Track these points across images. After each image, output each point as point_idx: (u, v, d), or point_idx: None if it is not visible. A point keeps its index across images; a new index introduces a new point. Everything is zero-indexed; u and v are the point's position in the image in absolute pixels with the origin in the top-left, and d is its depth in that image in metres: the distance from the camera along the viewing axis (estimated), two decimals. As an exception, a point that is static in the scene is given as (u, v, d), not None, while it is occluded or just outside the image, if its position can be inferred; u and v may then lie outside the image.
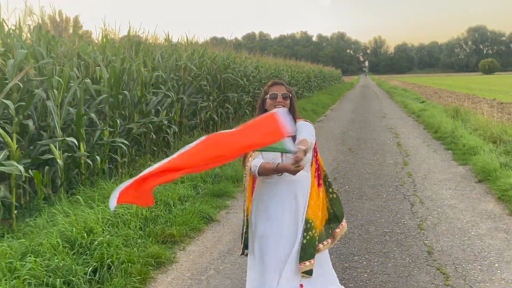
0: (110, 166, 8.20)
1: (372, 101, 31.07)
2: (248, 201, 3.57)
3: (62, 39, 9.19)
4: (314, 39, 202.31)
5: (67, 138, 6.71)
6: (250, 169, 3.34)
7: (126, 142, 7.88)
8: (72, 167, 7.43)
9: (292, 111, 3.45)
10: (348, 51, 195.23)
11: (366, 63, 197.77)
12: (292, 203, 3.36)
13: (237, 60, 16.55)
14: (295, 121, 3.42)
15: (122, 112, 8.97)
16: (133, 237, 5.35)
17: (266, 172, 3.27)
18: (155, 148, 9.65)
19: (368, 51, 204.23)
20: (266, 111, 3.37)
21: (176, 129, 10.78)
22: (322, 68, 50.28)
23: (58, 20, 12.52)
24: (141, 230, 5.64)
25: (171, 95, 9.81)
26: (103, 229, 5.25)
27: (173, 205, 6.40)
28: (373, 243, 5.37)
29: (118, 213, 5.64)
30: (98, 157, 7.25)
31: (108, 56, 9.31)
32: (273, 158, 3.31)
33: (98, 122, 8.05)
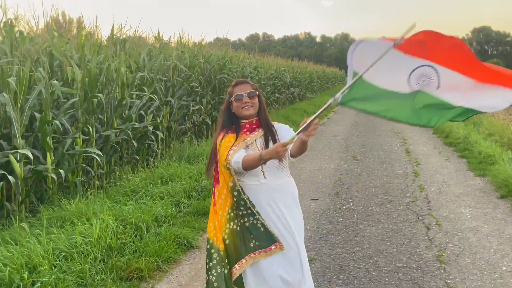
0: (84, 178, 7.24)
1: (376, 103, 30.02)
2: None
3: (32, 37, 8.24)
4: (317, 39, 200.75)
5: (20, 151, 5.73)
6: (229, 166, 3.06)
7: (99, 152, 6.90)
8: (35, 182, 6.49)
9: (262, 112, 3.23)
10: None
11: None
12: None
13: (234, 60, 15.56)
14: (267, 124, 3.21)
15: (101, 117, 8.02)
16: (90, 274, 4.38)
17: (250, 163, 2.98)
18: (137, 157, 8.67)
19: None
20: (233, 115, 3.20)
21: (162, 135, 9.82)
22: (326, 68, 49.22)
23: (62, 21, 11.76)
24: (103, 262, 4.67)
25: (155, 98, 8.82)
26: (53, 265, 4.29)
27: (146, 229, 5.42)
28: (384, 284, 4.37)
29: (75, 243, 4.67)
30: (61, 171, 6.27)
31: (86, 55, 8.36)
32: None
33: (70, 129, 7.13)
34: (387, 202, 6.93)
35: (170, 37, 13.13)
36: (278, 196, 3.14)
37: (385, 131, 15.13)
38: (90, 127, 7.43)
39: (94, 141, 7.61)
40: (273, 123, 3.29)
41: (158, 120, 9.91)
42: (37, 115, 6.50)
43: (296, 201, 3.28)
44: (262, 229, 3.12)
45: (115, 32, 10.18)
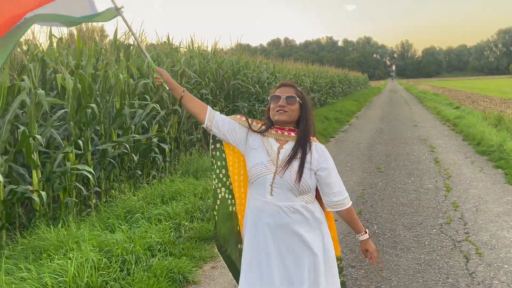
0: (77, 199, 6.52)
1: (401, 107, 28.94)
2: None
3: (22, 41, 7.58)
4: (339, 44, 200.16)
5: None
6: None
7: (89, 169, 6.17)
8: (16, 204, 5.79)
9: (304, 123, 2.69)
10: (374, 55, 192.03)
11: (393, 67, 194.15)
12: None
13: (250, 65, 14.79)
14: (307, 138, 2.66)
15: (98, 129, 7.32)
16: (59, 324, 3.62)
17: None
18: (140, 172, 7.92)
19: (395, 55, 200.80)
20: (270, 120, 2.74)
21: (170, 147, 9.09)
22: (348, 72, 48.21)
23: (84, 29, 11.43)
24: (79, 306, 3.91)
25: (157, 107, 8.05)
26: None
27: (136, 262, 4.64)
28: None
29: (46, 284, 3.92)
30: (43, 193, 5.54)
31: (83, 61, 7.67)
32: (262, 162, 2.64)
33: (62, 143, 6.43)
34: (417, 224, 6.04)
35: (180, 42, 12.33)
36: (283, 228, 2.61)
37: (411, 138, 14.17)
38: (84, 141, 6.74)
39: (90, 156, 6.92)
40: (314, 140, 2.74)
41: (166, 131, 9.21)
42: (22, 128, 5.80)
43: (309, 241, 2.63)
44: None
45: (119, 37, 9.49)
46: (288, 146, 2.65)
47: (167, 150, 9.05)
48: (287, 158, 2.59)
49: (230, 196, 2.85)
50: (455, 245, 5.29)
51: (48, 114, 6.61)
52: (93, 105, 6.62)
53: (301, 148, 2.63)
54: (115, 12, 2.75)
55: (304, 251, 2.60)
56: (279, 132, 2.70)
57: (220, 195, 2.86)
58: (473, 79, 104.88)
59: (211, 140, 2.87)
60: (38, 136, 5.57)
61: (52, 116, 6.53)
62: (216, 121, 2.73)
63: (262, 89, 14.71)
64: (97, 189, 6.95)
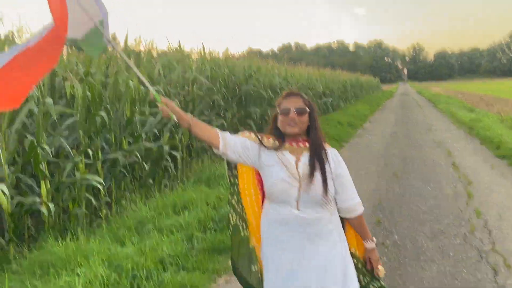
0: (87, 210, 6.35)
1: (414, 111, 28.61)
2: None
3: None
4: (350, 48, 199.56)
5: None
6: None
7: (99, 179, 6.00)
8: (25, 216, 5.64)
9: (314, 132, 2.63)
10: (386, 59, 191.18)
11: (405, 71, 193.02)
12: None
13: (262, 70, 14.59)
14: (317, 148, 2.61)
15: (108, 137, 7.17)
16: None
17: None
18: (152, 181, 7.75)
19: (407, 58, 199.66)
20: (278, 130, 2.65)
21: (182, 155, 8.92)
22: (359, 76, 47.88)
23: None
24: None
25: (172, 117, 7.89)
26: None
27: (147, 277, 4.46)
28: None
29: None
30: (51, 205, 5.38)
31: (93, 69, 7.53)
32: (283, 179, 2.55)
33: (71, 153, 6.27)
34: (440, 233, 5.80)
35: (191, 49, 12.18)
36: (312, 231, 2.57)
37: (426, 141, 13.90)
38: (94, 150, 6.60)
39: (100, 165, 6.76)
40: (327, 146, 2.69)
41: (177, 138, 9.04)
42: (30, 138, 5.65)
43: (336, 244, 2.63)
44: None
45: (129, 43, 9.35)
46: (305, 158, 2.58)
47: (178, 158, 8.89)
48: (309, 172, 2.53)
49: (241, 222, 2.79)
50: (481, 256, 5.04)
51: (57, 123, 6.46)
52: (103, 113, 6.47)
53: (318, 158, 2.57)
54: (107, 44, 2.64)
55: (328, 262, 2.56)
56: (293, 144, 2.62)
57: (232, 221, 2.80)
58: (486, 82, 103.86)
59: (226, 166, 2.79)
60: (46, 147, 5.41)
61: (61, 125, 6.40)
62: (230, 144, 2.61)
63: (275, 94, 14.50)
64: (108, 199, 6.78)
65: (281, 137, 2.64)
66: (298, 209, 2.52)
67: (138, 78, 2.55)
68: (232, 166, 2.76)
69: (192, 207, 6.56)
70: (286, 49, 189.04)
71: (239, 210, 2.78)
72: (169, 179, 8.31)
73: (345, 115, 21.62)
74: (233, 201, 2.78)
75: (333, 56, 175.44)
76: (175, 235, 5.53)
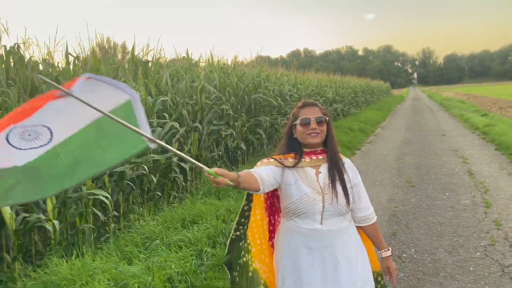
0: (94, 225, 6.19)
1: (426, 116, 28.28)
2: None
3: (36, 62, 7.30)
4: (360, 53, 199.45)
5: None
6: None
7: (106, 193, 5.84)
8: (32, 231, 5.48)
9: (331, 141, 2.67)
10: (395, 63, 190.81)
11: (415, 75, 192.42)
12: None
13: (271, 77, 14.42)
14: (335, 156, 2.64)
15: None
16: None
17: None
18: (160, 194, 7.58)
19: (417, 62, 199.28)
20: (296, 141, 2.68)
21: (191, 166, 8.74)
22: (370, 82, 47.61)
23: (106, 46, 11.45)
24: None
25: (176, 125, 7.68)
26: None
27: (153, 298, 4.27)
28: None
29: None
30: (55, 222, 5.23)
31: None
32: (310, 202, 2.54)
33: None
34: (459, 246, 5.57)
35: (200, 56, 12.00)
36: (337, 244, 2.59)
37: (441, 149, 13.62)
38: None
39: (107, 178, 6.60)
40: (342, 157, 2.73)
41: (186, 149, 8.88)
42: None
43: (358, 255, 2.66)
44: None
45: (137, 53, 9.22)
46: (324, 170, 2.61)
47: (187, 169, 8.74)
48: (330, 183, 2.56)
49: (242, 253, 2.79)
50: (503, 270, 4.80)
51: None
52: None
53: (337, 168, 2.61)
54: (149, 143, 2.29)
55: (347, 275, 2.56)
56: (313, 157, 2.64)
57: (241, 260, 2.79)
58: (497, 85, 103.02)
59: (244, 201, 2.82)
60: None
61: (66, 138, 6.25)
62: (265, 180, 2.51)
63: (284, 102, 14.33)
64: (116, 213, 6.62)
65: (298, 149, 2.66)
66: (321, 223, 2.54)
67: (187, 160, 2.24)
68: (251, 199, 2.79)
69: (202, 220, 6.38)
70: (295, 55, 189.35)
71: (240, 245, 2.80)
72: (178, 191, 8.13)
73: (356, 121, 21.37)
74: (238, 233, 2.82)
75: (342, 61, 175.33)
76: (183, 251, 5.34)
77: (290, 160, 2.62)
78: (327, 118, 2.65)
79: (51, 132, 2.25)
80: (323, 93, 20.96)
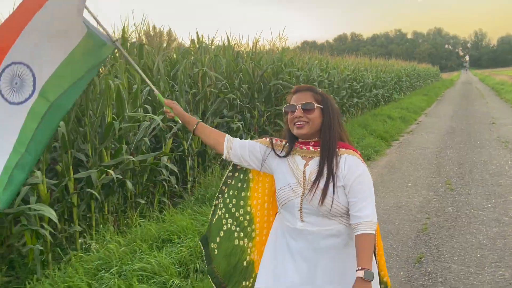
0: (42, 246, 5.07)
1: (475, 101, 26.18)
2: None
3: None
4: (408, 36, 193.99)
5: None
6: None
7: (51, 211, 4.67)
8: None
9: (327, 131, 2.32)
10: (446, 46, 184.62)
11: (467, 58, 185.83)
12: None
13: (297, 62, 13.01)
14: (332, 150, 2.32)
15: (82, 149, 5.89)
16: None
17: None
18: (143, 201, 6.39)
19: (468, 45, 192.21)
20: (290, 132, 2.42)
21: (192, 164, 7.60)
22: (416, 65, 45.27)
23: (152, 34, 10.91)
24: None
25: (156, 119, 6.41)
26: None
27: None
28: None
29: None
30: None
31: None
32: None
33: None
34: (505, 283, 4.15)
35: (213, 39, 10.64)
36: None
37: (489, 140, 11.96)
38: (63, 166, 5.35)
39: (71, 185, 5.50)
40: (343, 151, 2.34)
41: (186, 145, 7.72)
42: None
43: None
44: None
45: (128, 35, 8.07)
46: (314, 163, 2.34)
47: (190, 166, 7.62)
48: (313, 178, 2.29)
49: (237, 229, 2.60)
50: None
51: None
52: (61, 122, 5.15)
53: (327, 162, 2.30)
54: (112, 44, 2.58)
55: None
56: (304, 148, 2.39)
57: (225, 226, 2.62)
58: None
59: (230, 167, 2.66)
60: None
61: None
62: (235, 149, 2.51)
63: (311, 89, 12.93)
64: (79, 228, 5.48)
65: (294, 139, 2.43)
66: (302, 221, 2.31)
67: (141, 77, 2.34)
68: (237, 168, 2.63)
69: (179, 239, 5.17)
70: (341, 39, 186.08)
71: (237, 216, 2.60)
72: (166, 197, 6.95)
73: (398, 108, 19.73)
74: (230, 205, 2.61)
75: (391, 45, 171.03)
76: (139, 287, 4.15)
77: (282, 144, 2.47)
78: (317, 105, 2.33)
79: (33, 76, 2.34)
80: (360, 78, 19.35)
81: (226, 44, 10.56)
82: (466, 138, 12.54)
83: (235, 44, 11.07)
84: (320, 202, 2.23)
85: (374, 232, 2.18)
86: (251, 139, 9.39)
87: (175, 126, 7.09)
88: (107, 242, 5.01)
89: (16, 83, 2.34)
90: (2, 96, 2.35)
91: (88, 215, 5.89)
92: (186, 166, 7.79)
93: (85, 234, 5.55)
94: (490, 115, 18.19)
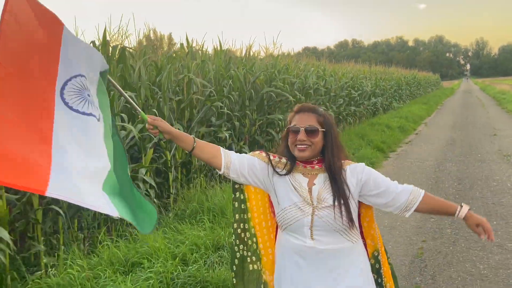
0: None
1: (476, 111, 25.73)
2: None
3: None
4: (410, 43, 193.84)
5: None
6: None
7: (4, 232, 4.20)
8: None
9: (329, 153, 2.35)
10: (447, 54, 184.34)
11: (468, 67, 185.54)
12: None
13: (292, 69, 12.55)
14: (337, 169, 2.34)
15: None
16: None
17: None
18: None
19: (469, 53, 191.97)
20: (289, 149, 2.41)
21: (175, 175, 7.15)
22: (417, 73, 44.85)
23: (153, 38, 10.58)
24: None
25: (131, 129, 5.96)
26: None
27: None
28: None
29: None
30: None
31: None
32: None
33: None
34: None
35: (202, 43, 10.19)
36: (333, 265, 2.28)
37: (490, 153, 11.50)
38: None
39: (36, 201, 5.03)
40: (347, 164, 2.40)
41: (169, 156, 7.26)
42: None
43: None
44: None
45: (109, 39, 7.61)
46: (319, 181, 2.33)
47: (174, 176, 7.17)
48: (324, 196, 2.28)
49: (249, 254, 2.50)
50: None
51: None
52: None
53: (334, 180, 2.29)
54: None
55: None
56: (308, 167, 2.36)
57: (238, 253, 2.51)
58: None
59: (231, 188, 2.52)
60: None
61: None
62: (234, 165, 2.39)
63: (307, 96, 12.47)
64: (42, 248, 5.00)
65: (294, 158, 2.39)
66: (312, 239, 2.26)
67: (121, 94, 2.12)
68: (236, 187, 2.50)
69: (150, 262, 4.70)
70: (342, 46, 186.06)
71: (246, 240, 2.50)
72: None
73: (397, 117, 19.26)
74: (239, 230, 2.50)
75: (392, 52, 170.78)
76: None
77: (282, 161, 2.41)
78: (321, 128, 2.33)
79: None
80: (359, 86, 18.89)
81: (218, 49, 10.11)
82: (466, 150, 12.07)
83: (227, 49, 10.62)
84: (336, 217, 2.23)
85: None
86: (240, 149, 9.02)
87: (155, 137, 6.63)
88: (68, 266, 4.54)
89: (89, 95, 2.16)
90: (71, 108, 2.07)
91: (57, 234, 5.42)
92: (169, 178, 7.33)
93: (49, 254, 5.09)
94: (491, 125, 17.75)
